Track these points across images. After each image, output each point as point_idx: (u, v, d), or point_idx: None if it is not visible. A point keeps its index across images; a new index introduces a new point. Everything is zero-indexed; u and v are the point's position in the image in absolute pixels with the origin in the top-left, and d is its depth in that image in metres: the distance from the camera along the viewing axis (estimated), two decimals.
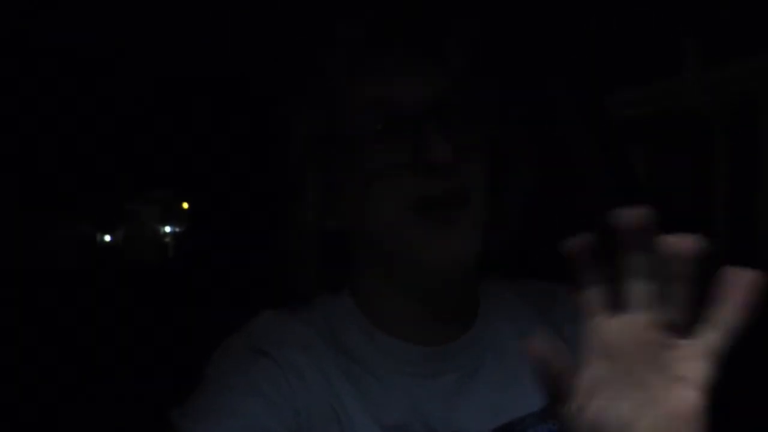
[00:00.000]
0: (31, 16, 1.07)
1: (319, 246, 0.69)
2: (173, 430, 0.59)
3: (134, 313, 1.81)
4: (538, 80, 0.97)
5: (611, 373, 0.40)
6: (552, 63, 0.97)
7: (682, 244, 0.39)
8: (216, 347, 0.68)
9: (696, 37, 6.54)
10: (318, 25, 0.72)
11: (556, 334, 0.73)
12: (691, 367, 0.39)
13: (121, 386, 1.60)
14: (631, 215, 0.39)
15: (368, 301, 0.70)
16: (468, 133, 0.64)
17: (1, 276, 2.01)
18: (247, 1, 0.95)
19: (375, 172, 0.64)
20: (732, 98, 6.89)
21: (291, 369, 0.63)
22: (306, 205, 0.68)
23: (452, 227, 0.63)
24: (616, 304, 0.40)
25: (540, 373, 0.43)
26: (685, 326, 0.39)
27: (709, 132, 7.20)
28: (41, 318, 1.79)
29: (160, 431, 0.59)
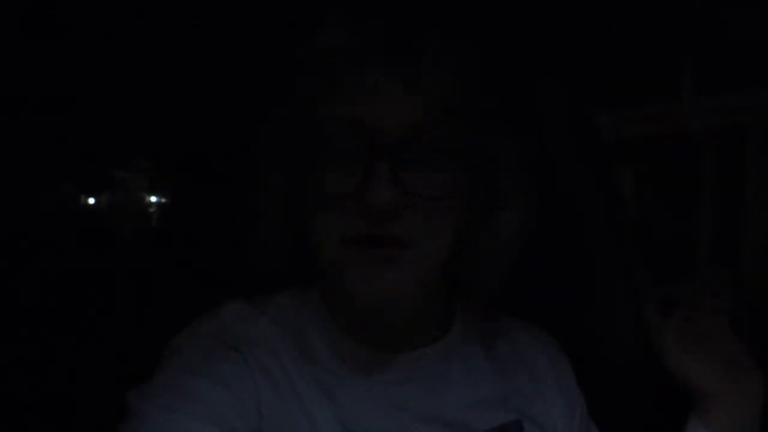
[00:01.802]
0: None
1: (287, 239, 0.68)
2: (129, 411, 0.58)
3: (111, 282, 1.80)
4: (530, 116, 0.96)
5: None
6: (545, 93, 0.97)
7: None
8: (178, 329, 0.67)
9: (694, 64, 6.58)
10: (301, 30, 0.68)
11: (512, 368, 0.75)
12: None
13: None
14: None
15: (333, 302, 0.69)
16: (433, 176, 0.60)
17: None
18: None
19: (320, 193, 0.61)
20: (723, 127, 6.94)
21: (260, 370, 0.62)
22: (273, 197, 0.68)
23: (376, 267, 0.60)
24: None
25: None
26: None
27: (698, 158, 7.25)
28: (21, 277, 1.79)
29: (117, 412, 0.58)
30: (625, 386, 1.19)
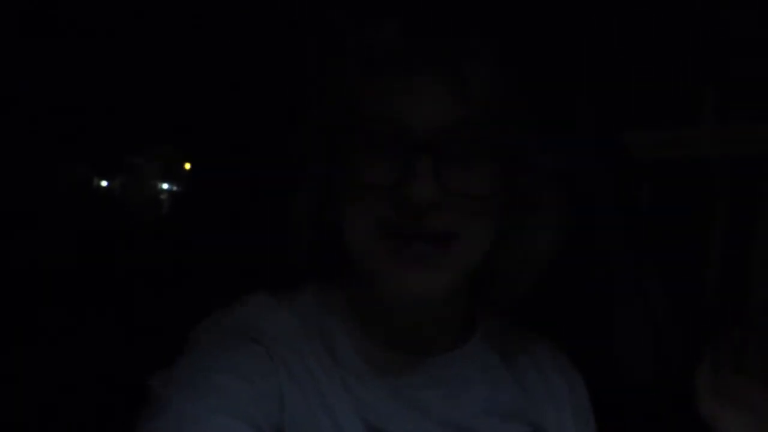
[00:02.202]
0: None
1: (314, 234, 0.68)
2: (153, 398, 0.58)
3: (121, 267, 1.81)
4: (566, 119, 0.97)
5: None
6: (580, 101, 0.98)
7: None
8: (197, 320, 0.67)
9: (714, 91, 6.55)
10: (346, 26, 0.69)
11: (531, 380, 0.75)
12: None
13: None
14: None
15: (360, 301, 0.69)
16: (472, 174, 0.61)
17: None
18: None
19: (358, 186, 0.61)
20: (739, 156, 6.91)
21: (283, 365, 0.62)
22: (304, 194, 0.68)
23: (412, 264, 0.60)
24: None
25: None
26: None
27: (712, 185, 7.22)
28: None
29: (139, 397, 0.58)
30: (636, 405, 1.18)
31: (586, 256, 1.21)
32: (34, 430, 1.50)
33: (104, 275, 1.78)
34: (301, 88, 0.70)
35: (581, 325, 1.17)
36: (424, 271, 0.60)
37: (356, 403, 0.63)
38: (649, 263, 1.29)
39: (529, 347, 0.77)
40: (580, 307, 1.19)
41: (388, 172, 0.60)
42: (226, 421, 0.56)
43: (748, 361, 0.70)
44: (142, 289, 1.56)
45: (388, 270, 0.61)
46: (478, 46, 0.63)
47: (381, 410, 0.64)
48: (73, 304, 1.70)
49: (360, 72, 0.63)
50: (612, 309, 1.26)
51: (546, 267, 0.69)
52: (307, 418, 0.61)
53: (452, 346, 0.71)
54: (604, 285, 1.26)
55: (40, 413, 1.50)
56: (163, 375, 0.60)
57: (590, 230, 1.22)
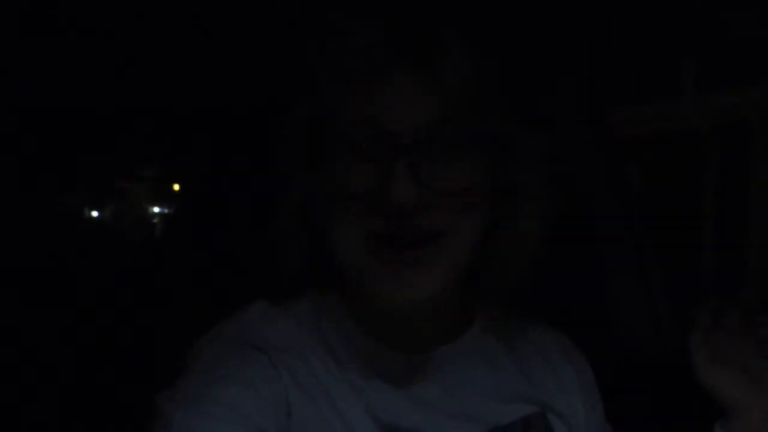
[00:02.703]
0: None
1: (304, 243, 0.69)
2: (160, 416, 0.58)
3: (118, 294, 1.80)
4: (548, 102, 0.97)
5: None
6: (560, 84, 0.98)
7: None
8: (198, 336, 0.67)
9: (696, 60, 6.59)
10: (320, 30, 0.69)
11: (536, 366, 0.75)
12: None
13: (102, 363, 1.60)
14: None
15: (355, 304, 0.70)
16: (454, 170, 0.61)
17: None
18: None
19: (342, 193, 0.61)
20: (725, 124, 6.95)
21: (287, 371, 0.62)
22: (290, 205, 0.68)
23: (405, 268, 0.60)
24: None
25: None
26: None
27: (702, 154, 7.25)
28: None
29: (146, 416, 0.59)
30: (639, 385, 1.18)
31: (580, 239, 1.21)
32: None
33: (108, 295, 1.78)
34: (285, 98, 0.70)
35: (579, 308, 1.17)
36: (417, 273, 0.61)
37: (366, 403, 0.64)
38: (645, 241, 1.29)
39: (531, 335, 0.78)
40: (576, 289, 1.20)
41: (370, 179, 0.60)
42: None
43: (739, 324, 0.71)
44: (141, 308, 1.56)
45: (381, 277, 0.61)
46: (453, 43, 0.63)
47: (391, 408, 0.65)
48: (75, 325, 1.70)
49: (338, 78, 0.63)
50: (610, 290, 1.26)
51: (539, 253, 0.69)
52: (317, 423, 0.61)
53: (452, 339, 0.71)
54: (600, 266, 1.26)
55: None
56: (169, 393, 0.60)
57: (583, 211, 1.22)
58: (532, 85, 0.70)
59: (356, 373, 0.66)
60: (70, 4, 1.10)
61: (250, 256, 0.82)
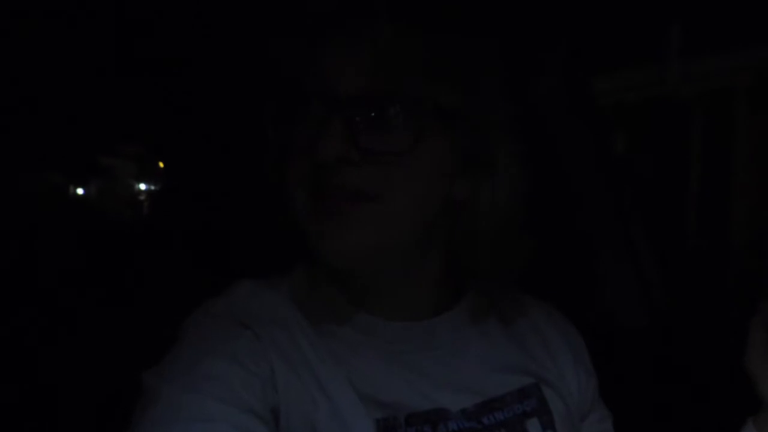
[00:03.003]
0: None
1: (283, 210, 0.68)
2: (147, 390, 0.58)
3: (106, 272, 1.79)
4: (522, 73, 0.95)
5: None
6: (540, 54, 0.96)
7: None
8: (187, 311, 0.67)
9: (680, 26, 6.58)
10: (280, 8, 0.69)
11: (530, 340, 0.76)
12: None
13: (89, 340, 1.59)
14: None
15: (336, 273, 0.70)
16: (385, 133, 0.61)
17: None
18: None
19: (292, 153, 0.63)
20: (710, 90, 6.96)
21: (274, 346, 0.62)
22: (270, 166, 0.68)
23: (326, 218, 0.61)
24: None
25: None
26: None
27: (687, 121, 7.27)
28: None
29: (132, 391, 0.59)
30: (631, 362, 1.20)
31: (565, 208, 1.21)
32: (30, 427, 1.50)
33: (94, 275, 1.77)
34: (260, 70, 0.70)
35: (568, 278, 1.18)
36: (339, 227, 0.61)
37: (349, 374, 0.64)
38: (630, 208, 1.30)
39: (524, 308, 0.78)
40: (565, 259, 1.20)
41: (312, 134, 0.61)
42: (218, 407, 0.56)
43: None
44: (132, 288, 1.56)
45: (311, 228, 0.62)
46: (393, 4, 0.63)
47: (376, 378, 0.65)
48: (62, 306, 1.69)
49: (297, 43, 0.64)
50: (597, 258, 1.27)
51: (518, 225, 0.68)
52: (301, 396, 0.62)
53: (441, 310, 0.71)
54: (586, 235, 1.26)
55: (35, 410, 1.50)
56: (156, 369, 0.60)
57: (568, 181, 1.22)
58: (495, 57, 0.68)
59: (342, 341, 0.66)
60: None
61: (238, 231, 0.82)
